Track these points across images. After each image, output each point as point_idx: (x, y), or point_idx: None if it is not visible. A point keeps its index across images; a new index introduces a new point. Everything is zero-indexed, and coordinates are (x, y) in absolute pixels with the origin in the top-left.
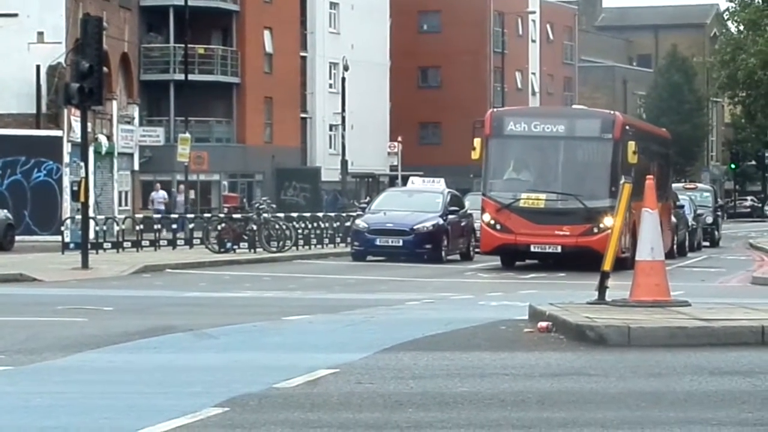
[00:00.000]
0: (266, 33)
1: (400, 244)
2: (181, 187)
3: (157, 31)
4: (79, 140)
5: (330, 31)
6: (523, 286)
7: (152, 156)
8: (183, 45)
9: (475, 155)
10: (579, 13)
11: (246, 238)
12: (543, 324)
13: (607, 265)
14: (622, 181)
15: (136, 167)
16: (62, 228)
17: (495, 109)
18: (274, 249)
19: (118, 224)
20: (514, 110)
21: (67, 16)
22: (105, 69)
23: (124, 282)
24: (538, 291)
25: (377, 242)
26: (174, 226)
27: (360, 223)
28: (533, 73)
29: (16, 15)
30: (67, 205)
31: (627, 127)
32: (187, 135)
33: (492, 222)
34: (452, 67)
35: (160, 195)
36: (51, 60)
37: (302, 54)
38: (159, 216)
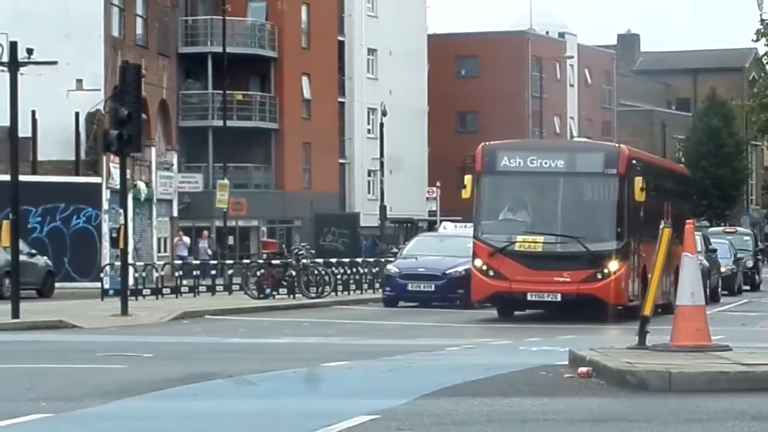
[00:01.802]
0: (304, 79)
1: (432, 289)
2: (205, 233)
3: (195, 77)
4: (118, 187)
5: (368, 77)
6: (563, 332)
7: (191, 202)
8: (221, 91)
9: (465, 194)
10: (617, 58)
11: (285, 284)
12: (583, 369)
13: (647, 310)
14: (662, 226)
15: (175, 213)
16: (101, 274)
17: (487, 143)
18: (313, 295)
19: (157, 270)
20: (508, 144)
21: (105, 64)
22: (143, 116)
23: (163, 328)
24: (578, 336)
25: (409, 287)
26: (195, 272)
27: (392, 268)
28: (572, 118)
29: (55, 62)
30: (106, 252)
31: (634, 162)
32: (226, 181)
33: (484, 268)
34: (490, 112)
35: (184, 240)
36: (90, 107)
37: (340, 100)
38: (181, 262)
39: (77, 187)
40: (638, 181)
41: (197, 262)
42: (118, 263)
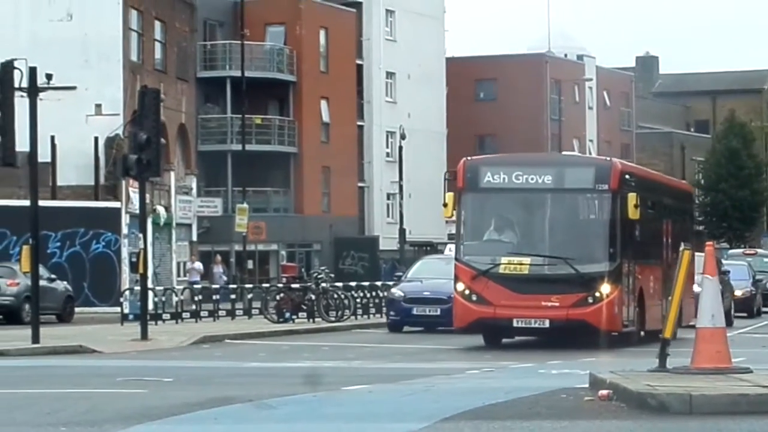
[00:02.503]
0: (323, 103)
1: (438, 313)
2: (218, 257)
3: (214, 102)
4: (138, 211)
5: (386, 101)
6: (584, 354)
7: (210, 226)
8: (240, 115)
9: (446, 213)
10: (636, 80)
11: (305, 307)
12: (604, 392)
13: (667, 333)
14: (681, 248)
15: (195, 238)
16: (121, 299)
17: (469, 158)
18: (333, 318)
19: (176, 295)
20: (492, 158)
21: (124, 88)
22: (163, 140)
23: (183, 353)
24: (599, 359)
25: (414, 311)
26: (215, 296)
27: (396, 291)
28: (590, 140)
29: (74, 88)
30: (125, 277)
31: (627, 176)
32: (245, 205)
33: (466, 292)
34: (509, 135)
35: (197, 266)
36: (109, 132)
37: (359, 123)
38: (194, 287)
39: (96, 212)
40: (632, 198)
41: (216, 286)
42: (137, 288)
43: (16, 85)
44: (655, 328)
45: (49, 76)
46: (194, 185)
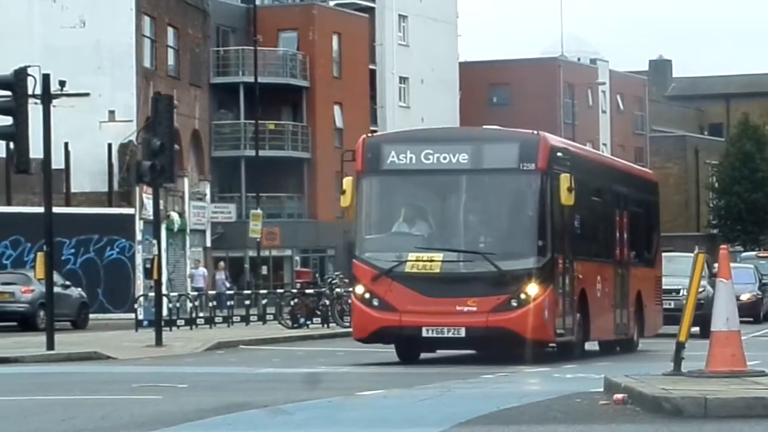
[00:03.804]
0: (336, 108)
1: None
2: (221, 264)
3: (227, 107)
4: (152, 218)
5: (400, 105)
6: (598, 359)
7: (224, 232)
8: (253, 121)
9: (344, 201)
10: (649, 83)
11: (319, 313)
12: (619, 396)
13: (682, 336)
14: (696, 251)
15: (209, 244)
16: (135, 305)
17: (369, 135)
18: (348, 324)
19: (191, 301)
20: (397, 135)
21: (137, 95)
22: (176, 146)
23: (198, 359)
24: (614, 363)
25: None
26: (212, 303)
27: None
28: (604, 144)
29: (87, 94)
30: (140, 283)
31: (559, 155)
32: (259, 211)
33: (366, 296)
34: None
35: (200, 272)
36: (122, 138)
37: (372, 128)
38: (196, 294)
39: (110, 219)
40: (565, 180)
41: (214, 292)
42: (152, 294)
43: (30, 92)
44: (607, 339)
45: (62, 83)
46: (208, 191)
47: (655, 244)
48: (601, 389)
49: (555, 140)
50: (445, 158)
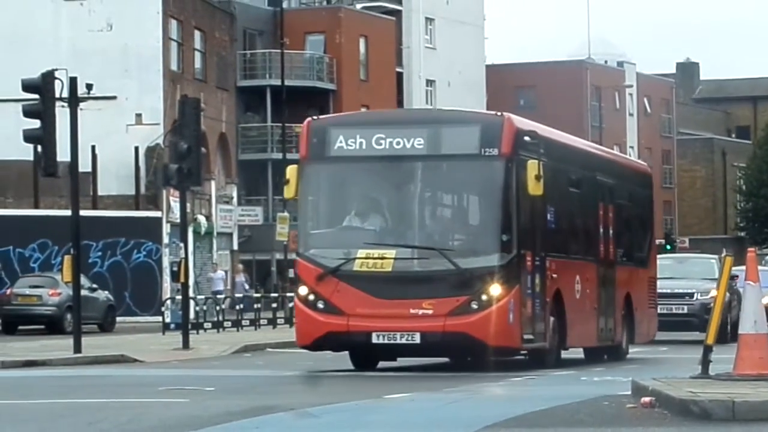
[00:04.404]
0: (363, 111)
1: None
2: (240, 266)
3: (254, 110)
4: (178, 221)
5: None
6: (627, 362)
7: (251, 235)
8: (280, 124)
9: (288, 192)
10: (676, 86)
11: None
12: (646, 399)
13: (710, 339)
14: (723, 254)
15: (235, 247)
16: (162, 308)
17: (315, 117)
18: None
19: (218, 304)
20: (345, 118)
21: (164, 98)
22: (203, 149)
23: (224, 362)
24: (641, 366)
25: None
26: (239, 306)
27: None
28: (631, 147)
29: (114, 98)
30: (167, 286)
31: (527, 139)
32: (286, 214)
33: (311, 297)
34: None
35: (218, 275)
36: (149, 141)
37: None
38: (218, 297)
39: (137, 222)
40: (532, 167)
41: (239, 295)
42: (178, 297)
43: (57, 95)
44: (589, 346)
45: (89, 86)
46: (235, 194)
47: (647, 243)
48: (629, 392)
49: (522, 123)
50: (398, 143)
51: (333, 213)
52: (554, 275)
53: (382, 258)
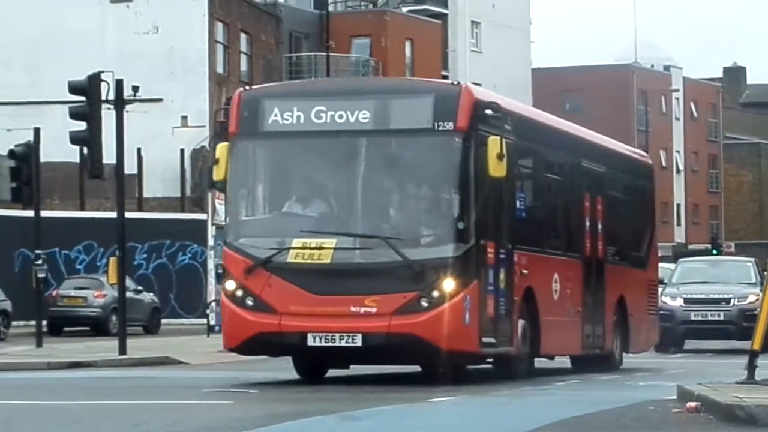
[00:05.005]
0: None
1: None
2: None
3: None
4: (224, 223)
5: None
6: (670, 365)
7: None
8: None
9: (217, 174)
10: (723, 90)
11: None
12: (692, 404)
13: (756, 344)
14: None
15: None
16: (207, 311)
17: (246, 88)
18: None
19: None
20: (281, 87)
21: (210, 101)
22: None
23: (269, 364)
24: (687, 370)
25: None
26: None
27: None
28: (677, 151)
29: (160, 100)
30: (212, 288)
31: (489, 112)
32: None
33: (239, 293)
34: None
35: None
36: (195, 144)
37: None
38: None
39: (183, 224)
40: (494, 144)
41: None
42: None
43: (103, 97)
44: (571, 353)
45: (135, 89)
46: None
47: (646, 241)
48: (674, 397)
49: (483, 94)
50: (341, 117)
51: (265, 197)
52: (524, 271)
53: (320, 248)
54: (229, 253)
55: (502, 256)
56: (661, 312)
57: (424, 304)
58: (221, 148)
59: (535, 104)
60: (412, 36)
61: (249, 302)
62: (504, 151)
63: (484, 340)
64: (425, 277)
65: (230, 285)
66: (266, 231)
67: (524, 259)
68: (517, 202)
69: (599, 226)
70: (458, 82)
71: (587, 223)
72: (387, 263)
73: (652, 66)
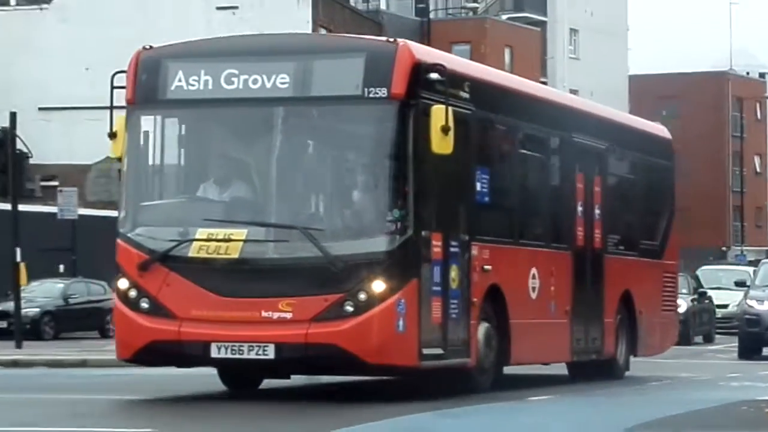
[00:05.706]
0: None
1: None
2: None
3: None
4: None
5: None
6: (765, 367)
7: None
8: None
9: (115, 150)
10: None
11: None
12: None
13: None
14: None
15: None
16: None
17: (146, 46)
18: None
19: None
20: (186, 47)
21: None
22: None
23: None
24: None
25: None
26: None
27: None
28: None
29: None
30: None
31: (434, 76)
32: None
33: (132, 294)
34: (691, 152)
35: None
36: None
37: None
38: None
39: None
40: (438, 114)
41: None
42: None
43: None
44: (559, 360)
45: None
46: None
47: (664, 228)
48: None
49: (427, 54)
50: (255, 81)
51: (165, 178)
52: (487, 267)
53: (228, 240)
54: (122, 245)
55: (453, 249)
56: (746, 316)
57: (349, 308)
58: (120, 120)
59: (632, 111)
60: (511, 43)
61: (144, 305)
62: (450, 124)
63: (426, 351)
64: (351, 276)
65: (123, 284)
66: (165, 219)
67: (486, 253)
68: (478, 185)
69: (596, 212)
70: (394, 40)
71: (579, 209)
72: (305, 259)
73: (747, 73)
